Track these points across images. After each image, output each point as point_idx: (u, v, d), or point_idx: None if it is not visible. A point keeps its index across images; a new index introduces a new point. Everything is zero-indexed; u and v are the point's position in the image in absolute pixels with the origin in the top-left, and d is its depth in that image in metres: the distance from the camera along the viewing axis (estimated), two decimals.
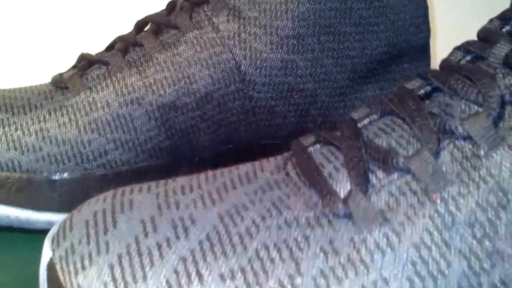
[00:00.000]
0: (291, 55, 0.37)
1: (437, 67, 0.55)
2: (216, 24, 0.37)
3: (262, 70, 0.37)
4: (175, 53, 0.36)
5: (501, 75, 0.25)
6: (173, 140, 0.37)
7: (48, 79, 0.39)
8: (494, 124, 0.23)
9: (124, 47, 0.37)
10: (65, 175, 0.35)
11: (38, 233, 0.35)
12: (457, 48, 0.28)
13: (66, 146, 0.35)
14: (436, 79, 0.26)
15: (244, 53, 0.37)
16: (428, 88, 0.27)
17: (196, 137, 0.37)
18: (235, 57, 0.37)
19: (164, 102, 0.36)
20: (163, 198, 0.23)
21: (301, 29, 0.37)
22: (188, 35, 0.37)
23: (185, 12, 0.37)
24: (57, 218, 0.35)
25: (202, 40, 0.37)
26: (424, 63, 0.42)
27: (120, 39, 0.39)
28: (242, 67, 0.37)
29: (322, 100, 0.39)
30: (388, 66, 0.40)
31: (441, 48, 0.56)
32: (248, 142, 0.40)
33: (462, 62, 0.28)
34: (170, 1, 0.40)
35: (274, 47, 0.37)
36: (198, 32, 0.37)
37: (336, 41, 0.38)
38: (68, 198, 0.35)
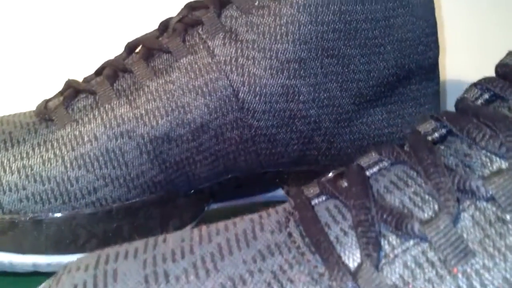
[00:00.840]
0: (293, 80, 0.35)
1: (446, 85, 0.52)
2: (211, 48, 0.34)
3: (262, 97, 0.35)
4: (168, 80, 0.34)
5: None
6: (168, 174, 0.34)
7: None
8: None
9: (112, 73, 0.35)
10: (52, 215, 0.32)
11: (21, 277, 0.33)
12: (474, 85, 0.26)
13: (52, 184, 0.32)
14: (452, 123, 0.24)
15: (242, 79, 0.34)
16: (443, 131, 0.24)
17: (192, 169, 0.35)
18: (233, 84, 0.34)
19: (156, 134, 0.33)
20: (151, 267, 0.21)
21: (302, 53, 0.34)
22: (181, 60, 0.34)
23: (178, 35, 0.35)
24: (43, 260, 0.33)
25: (196, 66, 0.34)
26: (433, 82, 0.39)
27: (109, 64, 0.36)
28: (240, 94, 0.34)
29: (326, 127, 0.37)
30: (395, 88, 0.38)
31: (450, 64, 0.54)
32: (248, 171, 0.37)
33: (480, 101, 0.25)
34: (163, 21, 0.38)
35: (274, 72, 0.34)
36: (192, 57, 0.34)
37: (341, 64, 0.35)
38: (55, 239, 0.33)
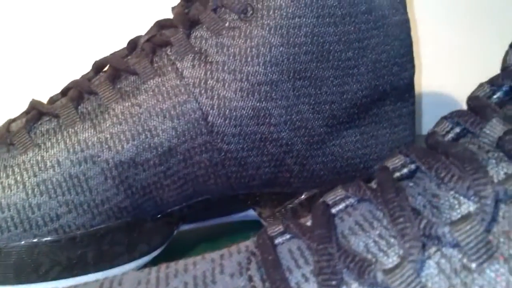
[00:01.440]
0: (264, 102, 0.34)
1: (421, 104, 0.51)
2: (180, 70, 0.33)
3: (232, 120, 0.34)
4: (134, 103, 0.33)
5: (493, 162, 0.22)
6: (134, 199, 0.33)
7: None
8: (487, 231, 0.19)
9: (77, 95, 0.34)
10: (12, 243, 0.31)
11: None
12: (445, 118, 0.25)
13: (12, 211, 0.31)
14: (421, 160, 0.23)
15: (211, 102, 0.33)
16: (412, 166, 0.24)
17: (159, 194, 0.34)
18: (202, 107, 0.33)
19: (122, 159, 0.32)
20: None
21: (274, 75, 0.34)
22: (149, 82, 0.33)
23: (145, 56, 0.34)
24: None
25: (164, 88, 0.33)
26: (408, 102, 0.39)
27: (75, 84, 0.35)
28: (209, 117, 0.33)
29: (298, 149, 0.36)
30: (369, 109, 0.37)
31: (426, 84, 0.54)
32: (218, 194, 0.36)
33: (450, 135, 0.24)
34: (132, 39, 0.37)
35: (244, 94, 0.33)
36: (160, 79, 0.33)
37: (313, 86, 0.35)
38: (16, 268, 0.31)
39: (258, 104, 0.34)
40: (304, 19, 0.33)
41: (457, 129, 0.24)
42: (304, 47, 0.34)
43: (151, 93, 0.33)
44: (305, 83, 0.34)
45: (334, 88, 0.35)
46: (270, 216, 0.38)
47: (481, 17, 0.53)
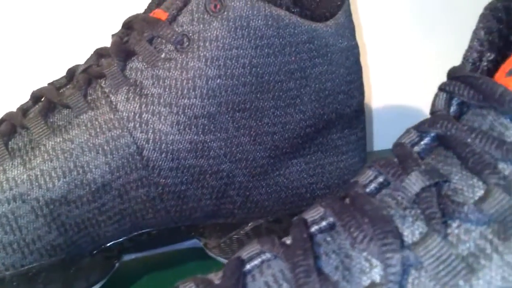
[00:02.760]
0: (201, 136, 0.33)
1: (373, 129, 0.50)
2: (114, 103, 0.32)
3: (169, 154, 0.33)
4: (67, 138, 0.32)
5: (410, 220, 0.21)
6: (68, 236, 0.32)
7: None
8: None
9: (9, 130, 0.33)
10: None
11: None
12: (368, 167, 0.24)
13: None
14: (337, 216, 0.22)
15: (146, 136, 0.32)
16: (331, 219, 0.23)
17: (95, 229, 0.33)
18: (136, 141, 0.32)
19: (53, 196, 0.31)
20: None
21: (211, 107, 0.33)
22: (81, 117, 0.32)
23: (79, 89, 0.33)
24: None
25: (97, 122, 0.32)
26: (357, 129, 0.38)
27: (9, 117, 0.34)
28: (144, 152, 0.32)
29: (240, 181, 0.35)
30: (314, 139, 0.36)
31: (377, 109, 0.53)
32: (160, 227, 0.36)
33: (373, 185, 0.24)
34: (70, 68, 0.36)
35: (181, 128, 0.33)
36: (93, 113, 0.32)
37: (253, 118, 0.34)
38: None
39: (195, 137, 0.33)
40: (241, 51, 0.32)
41: (380, 179, 0.24)
42: (242, 79, 0.33)
43: (84, 127, 0.32)
44: (244, 114, 0.33)
45: (275, 119, 0.34)
46: (216, 247, 0.37)
47: (430, 34, 0.52)
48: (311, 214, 0.23)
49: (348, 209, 0.22)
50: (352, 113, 0.37)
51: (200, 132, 0.33)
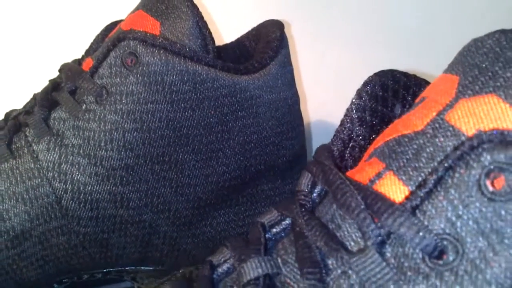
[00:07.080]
0: (120, 187, 0.33)
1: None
2: (36, 153, 0.33)
3: (87, 204, 0.33)
4: None
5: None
6: None
7: None
8: None
9: None
10: None
11: None
12: (276, 208, 0.24)
13: None
14: (235, 257, 0.22)
15: (65, 186, 0.33)
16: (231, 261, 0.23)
17: (18, 274, 0.34)
18: (55, 191, 0.33)
19: None
20: None
21: (129, 160, 0.33)
22: (3, 165, 0.33)
23: (4, 137, 0.34)
24: None
25: (18, 171, 0.33)
26: (292, 179, 0.37)
27: None
28: (63, 201, 0.33)
29: (164, 231, 0.35)
30: (242, 190, 0.36)
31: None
32: (88, 271, 0.36)
33: (275, 229, 0.23)
34: (8, 112, 0.37)
35: (100, 178, 0.33)
36: (15, 161, 0.33)
37: (174, 170, 0.34)
38: None
39: (114, 188, 0.33)
40: (157, 105, 0.32)
41: (287, 221, 0.23)
42: (160, 132, 0.33)
43: (5, 176, 0.33)
44: (164, 167, 0.33)
45: (196, 171, 0.34)
46: None
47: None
48: (216, 258, 0.24)
49: (246, 247, 0.22)
50: (285, 164, 0.37)
51: (118, 184, 0.33)
